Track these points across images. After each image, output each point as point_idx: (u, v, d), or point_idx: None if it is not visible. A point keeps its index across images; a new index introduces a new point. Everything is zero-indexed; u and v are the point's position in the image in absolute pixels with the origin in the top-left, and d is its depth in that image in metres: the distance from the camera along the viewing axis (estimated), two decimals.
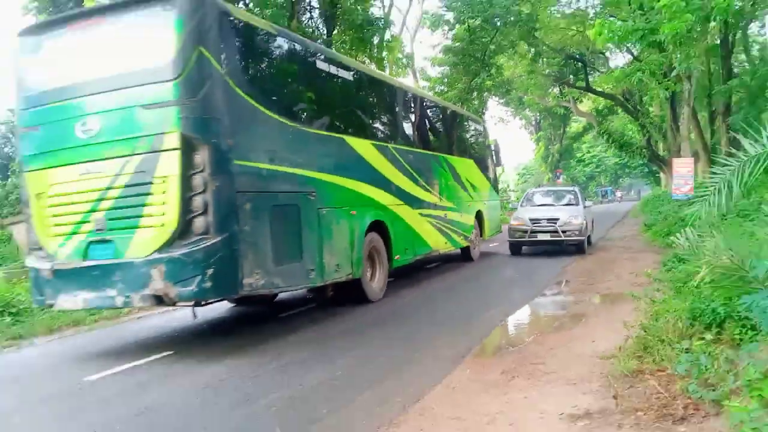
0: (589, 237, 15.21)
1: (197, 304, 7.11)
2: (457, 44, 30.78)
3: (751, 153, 4.98)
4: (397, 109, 11.31)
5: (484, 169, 15.89)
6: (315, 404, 4.77)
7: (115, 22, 6.52)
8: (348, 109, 9.47)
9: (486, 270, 13.02)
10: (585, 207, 15.41)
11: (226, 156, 6.35)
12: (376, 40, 21.22)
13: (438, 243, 12.05)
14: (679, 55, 15.52)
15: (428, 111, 13.34)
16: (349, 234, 8.68)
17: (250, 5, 17.56)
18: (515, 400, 4.54)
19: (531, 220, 14.96)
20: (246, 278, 6.46)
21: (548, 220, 14.78)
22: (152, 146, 6.21)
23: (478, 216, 14.85)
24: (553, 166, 55.82)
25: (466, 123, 15.69)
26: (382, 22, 21.80)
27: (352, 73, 9.49)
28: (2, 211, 24.17)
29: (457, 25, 30.34)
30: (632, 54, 26.54)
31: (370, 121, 10.27)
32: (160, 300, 6.28)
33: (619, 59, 31.78)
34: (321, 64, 8.63)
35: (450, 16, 30.60)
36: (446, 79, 31.76)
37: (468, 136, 15.64)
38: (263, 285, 6.76)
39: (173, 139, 6.13)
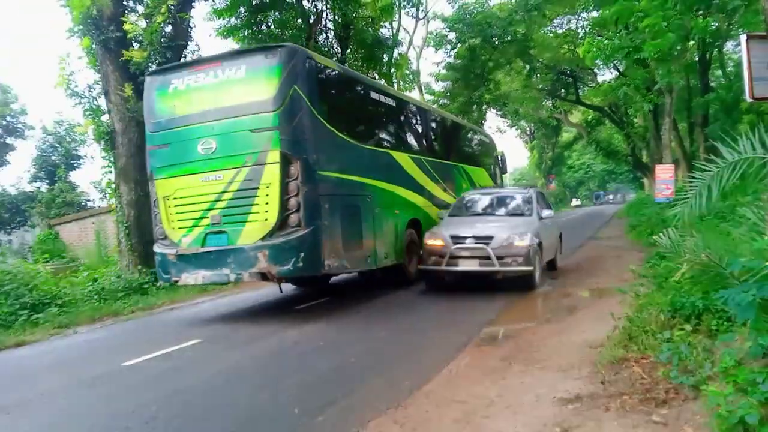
0: (553, 261, 11.10)
1: (280, 282, 8.84)
2: (459, 61, 31.28)
3: (728, 159, 4.89)
4: (427, 127, 12.63)
5: (492, 176, 16.83)
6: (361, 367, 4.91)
7: (230, 67, 7.95)
8: (392, 128, 10.93)
9: None
10: (542, 218, 10.08)
11: (313, 168, 7.71)
12: (385, 58, 21.17)
13: None
14: (660, 71, 15.42)
15: (450, 128, 14.55)
16: (395, 229, 9.95)
17: (272, 27, 17.57)
18: (512, 384, 4.54)
19: (452, 238, 9.29)
20: (326, 260, 7.79)
21: (477, 239, 9.09)
22: (258, 160, 7.59)
23: None
24: (546, 172, 55.85)
25: (478, 137, 16.95)
26: (391, 42, 21.74)
27: (395, 99, 10.86)
28: (50, 212, 24.39)
29: (459, 44, 30.49)
30: (618, 70, 26.55)
31: (408, 138, 11.62)
32: (264, 276, 7.69)
33: (606, 75, 31.56)
34: (374, 94, 10.15)
35: (452, 36, 30.65)
36: (449, 93, 32.04)
37: (480, 148, 16.75)
38: (337, 266, 8.08)
39: (275, 155, 7.56)
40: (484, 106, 33.96)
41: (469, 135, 16.11)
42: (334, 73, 8.92)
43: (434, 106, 19.17)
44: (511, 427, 3.68)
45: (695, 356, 4.17)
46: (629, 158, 36.19)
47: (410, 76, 31.46)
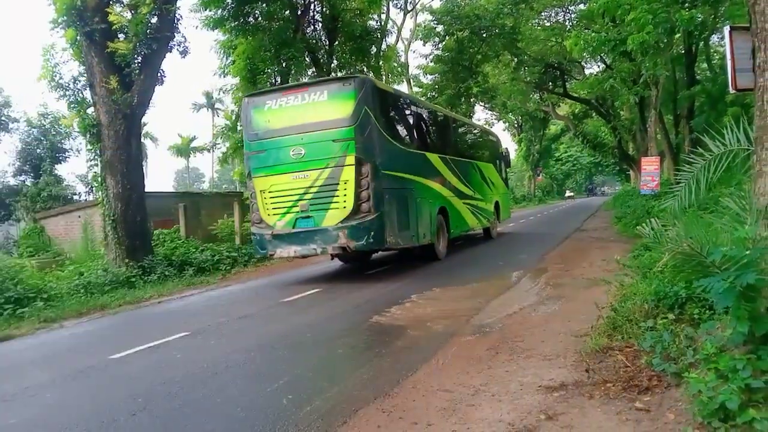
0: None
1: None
2: (447, 54, 30.99)
3: (714, 152, 4.95)
4: (449, 130, 15.22)
5: (499, 170, 19.10)
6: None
7: (314, 92, 10.41)
8: (426, 134, 13.50)
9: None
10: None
11: (378, 168, 10.06)
12: (373, 50, 21.02)
13: (473, 223, 15.48)
14: (646, 64, 15.46)
15: (466, 130, 17.29)
16: (429, 215, 12.23)
17: (259, 19, 17.40)
18: (498, 373, 4.59)
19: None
20: (388, 237, 10.20)
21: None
22: (338, 163, 9.90)
23: (496, 205, 17.89)
24: (534, 165, 56.07)
25: (487, 136, 19.37)
26: (379, 34, 21.58)
27: (427, 110, 14.09)
28: (35, 206, 24.09)
29: (447, 37, 30.25)
30: (605, 63, 26.59)
31: (437, 141, 13.98)
32: (344, 249, 10.10)
33: (593, 68, 31.60)
34: (413, 107, 13.07)
35: (440, 28, 30.43)
36: (437, 86, 32.04)
37: (489, 146, 18.86)
38: (394, 242, 10.51)
39: (351, 159, 9.88)
40: (472, 99, 34.13)
41: (480, 135, 18.61)
42: (387, 93, 11.46)
43: (453, 112, 21.68)
44: (496, 414, 3.73)
45: (678, 344, 4.24)
46: (615, 150, 36.28)
47: (398, 69, 31.31)
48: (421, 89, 32.81)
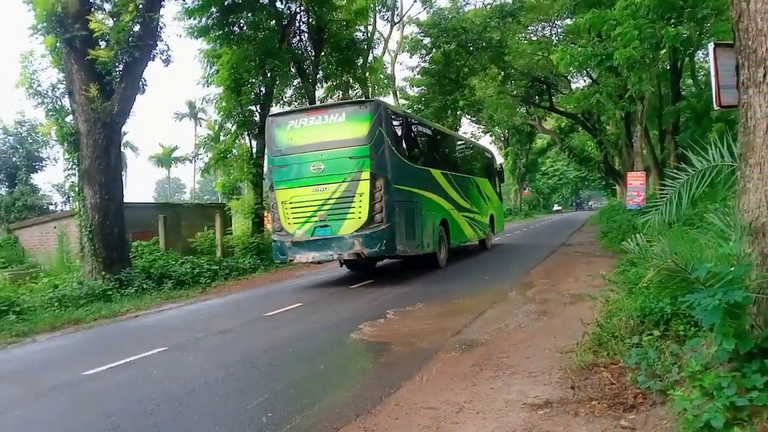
0: None
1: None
2: (434, 66, 31.23)
3: (698, 167, 5.01)
4: (451, 148, 17.01)
5: (494, 185, 20.52)
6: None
7: (333, 113, 11.85)
8: (430, 151, 14.92)
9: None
10: None
11: (390, 183, 11.35)
12: (360, 61, 21.11)
13: (471, 234, 16.75)
14: (632, 79, 15.72)
15: (465, 147, 18.80)
16: (432, 226, 13.44)
17: (245, 28, 17.40)
18: (482, 390, 4.58)
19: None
20: (398, 246, 11.45)
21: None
22: (354, 178, 11.24)
23: (491, 218, 19.20)
24: (520, 178, 56.39)
25: (483, 153, 20.66)
26: (366, 45, 21.68)
27: (431, 130, 15.74)
28: (9, 216, 23.72)
29: (434, 50, 30.51)
30: (591, 77, 26.95)
31: (440, 158, 15.32)
32: (358, 256, 11.38)
33: (579, 82, 31.94)
34: (419, 128, 14.71)
35: (427, 40, 30.67)
36: (423, 98, 32.32)
37: (485, 162, 20.25)
38: (403, 250, 11.78)
39: (366, 175, 11.23)
40: (459, 112, 34.36)
41: (477, 151, 20.01)
42: (398, 115, 13.13)
43: (452, 131, 23.74)
44: None
45: (663, 361, 4.25)
46: (602, 165, 36.51)
47: (385, 81, 31.35)
48: (407, 101, 33.01)
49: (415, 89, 35.07)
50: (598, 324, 5.60)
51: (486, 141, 57.28)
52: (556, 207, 75.69)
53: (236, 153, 18.41)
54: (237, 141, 18.31)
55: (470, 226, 16.72)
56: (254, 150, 18.37)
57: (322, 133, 11.90)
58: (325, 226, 11.77)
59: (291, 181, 12.10)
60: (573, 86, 32.90)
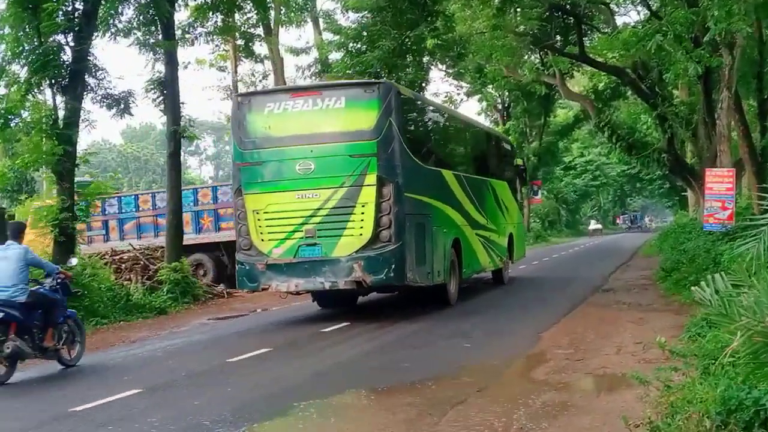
0: None
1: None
2: None
3: None
4: (466, 139, 16.83)
5: (513, 190, 19.82)
6: None
7: (329, 97, 11.50)
8: (444, 146, 15.06)
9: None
10: None
11: (401, 190, 11.33)
12: None
13: (485, 262, 16.36)
14: (715, 12, 13.64)
15: (479, 137, 18.52)
16: (443, 248, 13.28)
17: None
18: None
19: None
20: (408, 272, 11.43)
21: None
22: (355, 182, 11.15)
23: (509, 239, 18.56)
24: (528, 176, 46.12)
25: (500, 144, 20.32)
26: None
27: (446, 116, 16.09)
28: None
29: None
30: (649, 7, 23.61)
31: (453, 154, 15.55)
32: (359, 284, 11.34)
33: (629, 14, 27.24)
34: (434, 115, 14.99)
35: None
36: (366, 34, 24.99)
37: (502, 157, 19.90)
38: (412, 279, 11.67)
39: (373, 179, 11.08)
40: (427, 58, 27.87)
41: (493, 142, 19.81)
42: (411, 102, 13.46)
43: (465, 115, 22.66)
44: None
45: None
46: (664, 156, 28.87)
47: (298, 1, 27.98)
48: (337, 37, 27.73)
49: (352, 16, 27.68)
50: (652, 426, 4.89)
51: (472, 108, 47.94)
52: (593, 225, 68.11)
53: (29, 118, 14.08)
54: (30, 97, 14.10)
55: (485, 250, 16.39)
56: (61, 114, 14.46)
57: (313, 123, 11.78)
58: (314, 244, 11.42)
59: (267, 183, 11.81)
60: (618, 21, 28.18)
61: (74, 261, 11.72)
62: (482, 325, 11.92)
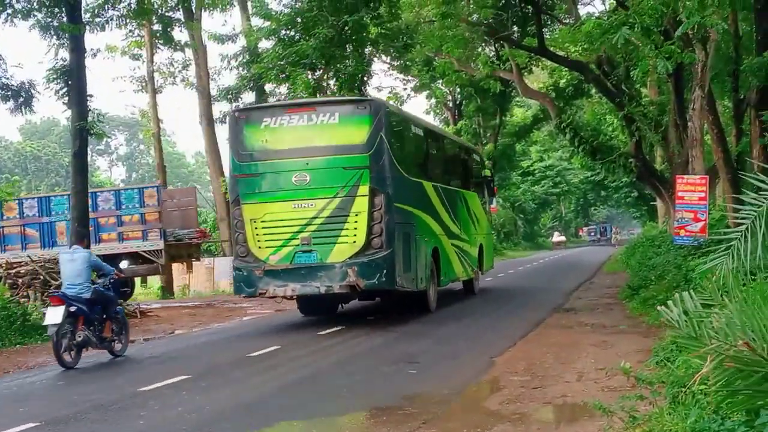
0: None
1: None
2: None
3: None
4: (442, 151, 19.06)
5: (482, 201, 22.03)
6: None
7: (323, 113, 13.46)
8: (424, 159, 16.83)
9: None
10: None
11: (392, 200, 13.30)
12: None
13: (459, 272, 18.59)
14: (687, 2, 13.87)
15: (452, 148, 20.83)
16: (425, 256, 15.45)
17: None
18: None
19: None
20: (397, 278, 13.37)
21: None
22: (349, 193, 13.04)
23: (480, 249, 20.78)
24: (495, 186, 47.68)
25: (471, 155, 22.57)
26: None
27: (424, 130, 17.09)
28: None
29: None
30: None
31: (432, 166, 17.43)
32: (353, 289, 13.15)
33: (594, 4, 28.32)
34: (416, 129, 16.20)
35: None
36: (301, 19, 24.71)
37: (472, 168, 21.95)
38: (401, 284, 13.63)
39: (365, 189, 12.99)
40: (368, 48, 27.51)
41: (464, 153, 22.07)
42: (399, 117, 15.56)
43: (441, 128, 27.43)
44: None
45: None
46: (631, 161, 28.88)
47: None
48: (268, 23, 26.76)
49: (284, 0, 27.91)
50: None
51: (419, 106, 49.06)
52: (557, 237, 68.75)
53: None
54: None
55: (459, 260, 18.68)
56: None
57: (308, 137, 13.63)
58: (310, 251, 13.19)
59: (264, 194, 13.64)
60: (582, 11, 28.59)
61: (125, 264, 14.56)
62: (433, 347, 11.79)
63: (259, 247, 13.48)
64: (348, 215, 13.11)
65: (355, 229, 13.06)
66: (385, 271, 13.10)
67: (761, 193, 4.77)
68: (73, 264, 11.08)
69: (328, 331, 13.89)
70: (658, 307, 5.03)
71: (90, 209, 19.21)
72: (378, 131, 13.30)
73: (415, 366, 10.43)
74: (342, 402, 8.54)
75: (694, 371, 5.70)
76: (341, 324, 14.79)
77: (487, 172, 23.87)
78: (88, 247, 11.94)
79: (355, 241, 13.11)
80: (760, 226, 4.74)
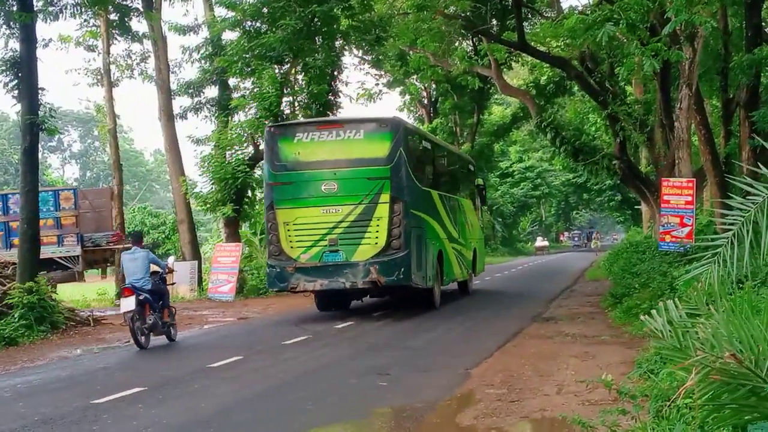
0: None
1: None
2: None
3: None
4: (444, 162, 22.01)
5: (475, 207, 25.25)
6: None
7: (350, 130, 16.41)
8: (432, 170, 19.81)
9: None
10: None
11: (408, 207, 16.36)
12: None
13: (458, 273, 21.35)
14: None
15: (451, 158, 23.50)
16: (433, 257, 18.15)
17: None
18: None
19: None
20: (413, 275, 16.26)
21: None
22: (372, 200, 16.02)
23: (474, 253, 23.79)
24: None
25: (467, 164, 25.57)
26: None
27: (433, 144, 20.44)
28: None
29: None
30: None
31: (438, 177, 20.41)
32: (375, 284, 16.02)
33: None
34: (426, 144, 19.70)
35: None
36: (268, 11, 24.54)
37: (466, 176, 24.92)
38: (415, 281, 16.47)
39: (386, 197, 15.95)
40: (339, 42, 27.69)
41: (460, 162, 24.92)
42: (414, 134, 19.13)
43: (444, 142, 28.63)
44: None
45: None
46: (615, 163, 28.64)
47: None
48: (233, 13, 26.36)
49: None
50: None
51: (391, 103, 48.09)
52: (540, 242, 68.66)
53: None
54: None
55: (458, 262, 21.25)
56: None
57: (336, 150, 16.20)
58: (336, 251, 15.68)
59: (296, 200, 16.12)
60: (564, 5, 29.42)
61: (171, 259, 16.36)
62: (402, 361, 11.73)
63: (291, 247, 16.07)
64: (371, 220, 15.78)
65: (377, 232, 15.70)
66: (402, 269, 15.70)
67: (749, 197, 4.72)
68: (135, 262, 13.41)
69: (293, 341, 13.80)
70: (642, 317, 5.05)
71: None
72: (398, 146, 16.05)
73: (384, 379, 10.33)
74: (308, 415, 8.36)
75: (678, 384, 5.73)
76: (307, 334, 14.65)
77: (480, 181, 26.87)
78: (142, 247, 13.74)
79: (376, 243, 15.77)
80: (748, 232, 4.71)
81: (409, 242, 15.95)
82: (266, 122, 22.37)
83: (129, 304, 13.04)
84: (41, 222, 19.84)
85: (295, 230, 16.08)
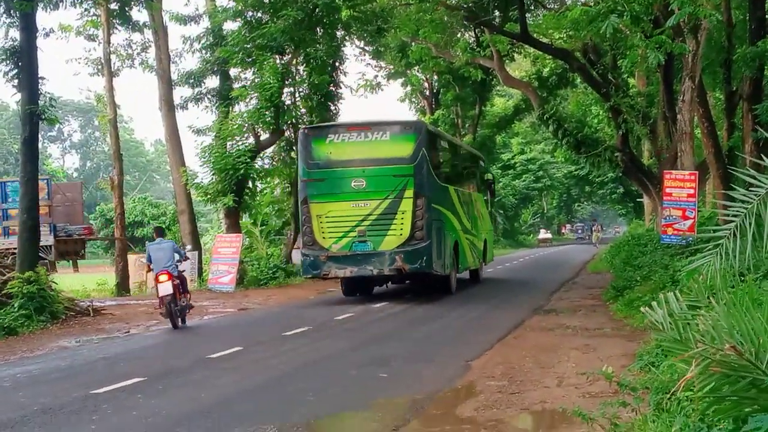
0: None
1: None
2: None
3: None
4: (459, 159, 24.30)
5: (486, 201, 27.65)
6: None
7: (377, 131, 18.39)
8: (450, 167, 22.26)
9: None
10: None
11: (430, 201, 18.46)
12: None
13: (471, 262, 23.60)
14: None
15: (465, 154, 25.96)
16: (449, 247, 20.21)
17: None
18: None
19: None
20: (434, 263, 18.33)
21: None
22: (397, 195, 18.09)
23: (484, 244, 26.12)
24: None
25: (476, 160, 27.57)
26: None
27: (449, 143, 23.87)
28: None
29: None
30: None
31: (454, 173, 22.78)
32: (399, 272, 18.20)
33: None
34: (444, 143, 22.70)
35: None
36: (268, 0, 25.05)
37: (478, 171, 27.02)
38: (436, 269, 18.47)
39: (410, 193, 17.98)
40: (340, 32, 28.16)
41: (471, 158, 26.88)
42: (435, 135, 21.31)
43: (459, 140, 31.82)
44: None
45: None
46: (617, 155, 28.72)
47: None
48: (234, 3, 26.82)
49: None
50: None
51: (393, 93, 47.11)
52: (543, 234, 69.15)
53: None
54: None
55: (471, 252, 23.18)
56: None
57: (365, 150, 17.93)
58: (365, 241, 17.47)
59: (328, 195, 17.89)
60: None
61: (189, 248, 19.39)
62: (403, 352, 11.79)
63: (323, 238, 17.87)
64: (396, 213, 17.52)
65: (402, 224, 17.47)
66: (425, 258, 17.52)
67: (751, 189, 4.70)
68: (162, 251, 14.64)
69: (294, 332, 13.82)
70: (643, 309, 5.04)
71: None
72: (420, 147, 17.86)
73: (385, 370, 10.37)
74: (308, 406, 8.39)
75: (679, 376, 5.58)
76: (307, 325, 14.60)
77: (489, 176, 29.23)
78: (166, 237, 16.48)
79: (401, 234, 17.51)
80: (750, 224, 4.68)
81: (431, 233, 17.69)
82: (266, 112, 24.53)
83: (167, 288, 14.14)
84: (13, 212, 20.27)
85: (327, 222, 17.87)
